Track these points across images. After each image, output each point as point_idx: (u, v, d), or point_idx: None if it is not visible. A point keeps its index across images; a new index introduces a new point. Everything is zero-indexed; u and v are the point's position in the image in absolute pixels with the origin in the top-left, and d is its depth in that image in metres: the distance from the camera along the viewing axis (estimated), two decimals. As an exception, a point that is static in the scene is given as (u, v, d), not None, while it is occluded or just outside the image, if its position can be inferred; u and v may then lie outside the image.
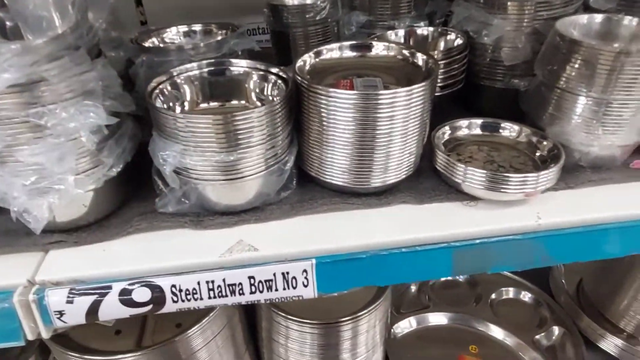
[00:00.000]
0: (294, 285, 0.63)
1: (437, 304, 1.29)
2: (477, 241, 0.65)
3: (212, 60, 0.69)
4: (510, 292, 1.32)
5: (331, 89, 0.63)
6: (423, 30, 0.90)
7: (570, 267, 1.33)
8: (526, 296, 1.31)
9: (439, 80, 0.84)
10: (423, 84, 0.64)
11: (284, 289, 0.63)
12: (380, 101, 0.63)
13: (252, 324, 1.03)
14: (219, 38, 0.80)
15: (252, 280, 0.62)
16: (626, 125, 0.69)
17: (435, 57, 0.81)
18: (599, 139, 0.70)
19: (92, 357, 0.82)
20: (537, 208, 0.68)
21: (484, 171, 0.66)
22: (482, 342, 1.21)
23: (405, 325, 1.24)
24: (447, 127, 0.76)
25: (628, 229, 0.66)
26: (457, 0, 0.86)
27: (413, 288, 1.35)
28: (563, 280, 1.29)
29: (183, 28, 0.89)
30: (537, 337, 1.19)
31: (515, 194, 0.67)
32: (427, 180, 0.74)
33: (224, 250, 0.64)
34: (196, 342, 0.86)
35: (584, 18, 0.76)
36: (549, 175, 0.67)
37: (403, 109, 0.65)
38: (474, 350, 1.19)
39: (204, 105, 0.71)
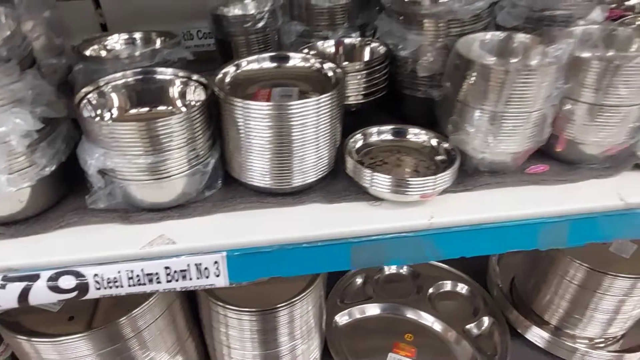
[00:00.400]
0: (207, 275, 0.71)
1: (380, 296, 1.37)
2: (374, 238, 0.72)
3: (138, 70, 0.76)
4: (448, 285, 1.40)
5: (245, 101, 0.70)
6: (351, 40, 0.97)
7: (506, 263, 1.42)
8: (463, 289, 1.39)
9: (362, 88, 0.91)
10: (329, 94, 0.72)
11: (198, 278, 0.71)
12: (290, 111, 0.70)
13: (194, 311, 1.10)
14: (155, 47, 0.87)
15: (168, 270, 0.70)
16: (515, 135, 0.77)
17: (358, 66, 0.89)
18: (491, 147, 0.78)
19: (38, 339, 0.89)
20: (432, 208, 0.76)
21: (386, 176, 0.73)
22: (418, 330, 1.29)
23: (347, 316, 1.33)
24: (359, 135, 0.83)
25: (509, 228, 0.74)
26: (381, 14, 0.93)
27: (359, 281, 1.43)
28: (497, 276, 1.38)
29: (124, 36, 0.95)
30: (468, 326, 1.28)
31: (412, 195, 0.74)
32: (340, 182, 0.82)
33: (145, 243, 0.71)
34: (136, 325, 0.93)
35: (486, 35, 0.83)
36: (443, 178, 0.74)
37: (313, 117, 0.72)
38: (409, 339, 1.27)
39: (133, 111, 0.78)
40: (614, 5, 0.95)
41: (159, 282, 0.70)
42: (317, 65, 0.81)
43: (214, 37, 1.07)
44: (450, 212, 0.76)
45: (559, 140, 0.84)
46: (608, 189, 0.80)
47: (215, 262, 0.70)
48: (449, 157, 0.80)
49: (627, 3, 0.94)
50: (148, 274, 0.69)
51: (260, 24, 1.00)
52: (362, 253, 0.73)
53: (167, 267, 0.69)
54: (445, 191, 0.78)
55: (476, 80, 0.75)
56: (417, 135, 0.84)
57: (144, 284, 0.70)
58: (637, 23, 0.93)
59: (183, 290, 0.72)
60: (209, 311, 1.03)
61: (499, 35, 0.81)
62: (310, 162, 0.76)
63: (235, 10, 1.04)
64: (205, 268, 0.70)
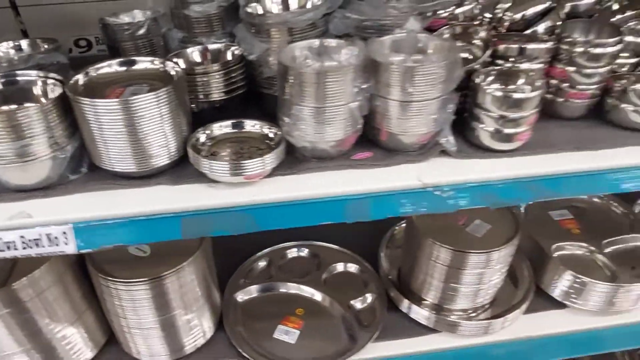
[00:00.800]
0: (57, 243, 0.85)
1: (280, 277, 1.51)
2: (201, 212, 0.87)
3: (8, 72, 0.91)
4: (342, 266, 1.54)
5: (89, 99, 0.84)
6: (216, 46, 1.12)
7: (393, 247, 1.56)
8: (355, 269, 1.53)
9: (222, 87, 1.05)
10: (165, 89, 0.86)
11: (49, 246, 0.85)
12: (129, 106, 0.84)
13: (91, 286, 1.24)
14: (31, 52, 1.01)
15: (23, 239, 0.84)
16: (328, 126, 0.91)
17: (215, 67, 1.03)
18: (310, 137, 0.92)
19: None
20: (259, 189, 0.90)
21: (214, 162, 0.88)
22: (309, 306, 1.43)
23: (247, 293, 1.46)
24: (203, 129, 0.98)
25: (319, 204, 0.89)
26: (239, 24, 1.07)
27: (262, 263, 1.57)
28: (384, 259, 1.51)
29: (11, 43, 1.09)
30: (353, 302, 1.42)
31: (237, 177, 0.88)
32: (190, 167, 0.95)
33: (7, 217, 0.85)
34: (27, 291, 1.05)
35: (308, 43, 0.97)
36: (261, 162, 0.88)
37: (154, 110, 0.86)
38: (300, 313, 1.41)
39: (4, 107, 0.92)
40: (445, 14, 1.09)
41: (15, 249, 0.84)
42: (162, 66, 0.96)
43: (105, 43, 1.21)
44: (272, 191, 0.90)
45: (381, 132, 0.99)
46: (411, 171, 0.94)
47: (64, 233, 0.84)
48: (276, 144, 0.94)
49: (452, 12, 1.08)
50: (6, 242, 0.83)
51: (142, 31, 1.14)
52: (192, 225, 0.87)
53: (22, 237, 0.83)
54: (275, 174, 0.92)
55: (291, 81, 0.89)
56: (254, 126, 0.98)
57: (3, 250, 0.83)
58: (460, 31, 1.07)
59: (39, 256, 0.86)
60: (99, 285, 1.17)
61: (315, 42, 0.95)
62: (156, 150, 0.90)
63: (121, 19, 1.18)
64: (55, 237, 0.84)
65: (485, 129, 0.96)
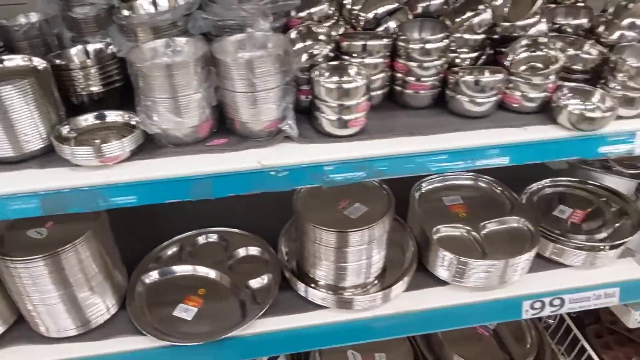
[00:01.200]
0: None
1: (189, 260, 1.62)
2: (57, 192, 0.98)
3: None
4: (247, 250, 1.65)
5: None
6: (97, 45, 1.23)
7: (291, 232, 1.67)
8: (258, 252, 1.64)
9: (98, 81, 1.17)
10: (27, 80, 0.98)
11: None
12: None
13: None
14: None
15: None
16: (173, 117, 1.02)
17: (90, 63, 1.14)
18: (158, 126, 1.03)
19: None
20: (113, 171, 1.01)
21: (74, 147, 0.99)
22: (210, 286, 1.54)
23: (155, 276, 1.57)
24: (70, 119, 1.09)
25: (162, 184, 1.00)
26: (112, 25, 1.18)
27: (174, 249, 1.67)
28: (282, 243, 1.62)
29: None
30: (251, 281, 1.53)
31: (92, 160, 1.00)
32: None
33: None
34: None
35: (155, 43, 1.08)
36: (108, 147, 0.99)
37: (19, 100, 0.98)
38: (201, 292, 1.52)
39: None
40: (302, 15, 1.21)
41: None
42: (30, 63, 1.07)
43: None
44: (126, 173, 1.01)
45: (234, 121, 1.10)
46: (256, 155, 1.05)
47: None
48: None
49: (307, 12, 1.19)
50: None
51: (34, 32, 1.25)
52: (49, 203, 0.98)
53: None
54: (133, 159, 1.04)
55: (139, 75, 1.01)
56: (117, 117, 1.10)
57: None
58: (314, 30, 1.18)
59: None
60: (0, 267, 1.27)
61: (160, 42, 1.07)
62: (23, 137, 1.01)
63: (16, 20, 1.29)
64: None
65: (324, 117, 1.08)
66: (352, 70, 1.09)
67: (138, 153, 1.05)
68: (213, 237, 1.71)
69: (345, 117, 1.06)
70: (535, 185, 1.74)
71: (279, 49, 1.03)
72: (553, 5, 1.34)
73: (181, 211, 1.63)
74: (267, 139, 1.09)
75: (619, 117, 1.14)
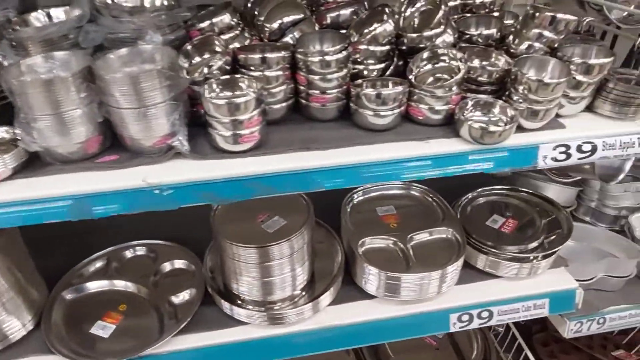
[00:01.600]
0: None
1: (115, 274, 1.58)
2: None
3: None
4: (175, 263, 1.61)
5: None
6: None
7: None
8: (185, 265, 1.61)
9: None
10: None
11: None
12: None
13: None
14: None
15: None
16: (53, 134, 0.99)
17: None
18: (39, 144, 0.99)
19: None
20: None
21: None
22: (132, 301, 1.50)
23: (76, 292, 1.53)
24: None
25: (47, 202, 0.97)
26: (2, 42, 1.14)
27: (100, 263, 1.63)
28: (206, 257, 1.59)
29: None
30: (172, 297, 1.49)
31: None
32: None
33: None
34: None
35: (34, 59, 1.04)
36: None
37: None
38: (122, 308, 1.49)
39: None
40: (203, 26, 1.17)
41: None
42: None
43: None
44: (5, 192, 0.97)
45: (123, 137, 1.07)
46: (142, 172, 1.02)
47: None
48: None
49: (209, 22, 1.16)
50: None
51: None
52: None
53: None
54: (15, 177, 1.00)
55: (15, 92, 0.97)
56: (3, 132, 1.06)
57: None
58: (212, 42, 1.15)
59: None
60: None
61: (39, 57, 1.03)
62: None
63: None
64: None
65: (216, 133, 1.05)
66: (244, 84, 1.05)
67: (22, 171, 1.02)
68: (141, 250, 1.68)
69: (237, 132, 1.03)
70: (470, 195, 1.72)
71: (163, 63, 1.00)
72: (468, 15, 1.32)
73: (120, 223, 1.57)
74: (157, 156, 1.06)
75: (523, 130, 1.12)
